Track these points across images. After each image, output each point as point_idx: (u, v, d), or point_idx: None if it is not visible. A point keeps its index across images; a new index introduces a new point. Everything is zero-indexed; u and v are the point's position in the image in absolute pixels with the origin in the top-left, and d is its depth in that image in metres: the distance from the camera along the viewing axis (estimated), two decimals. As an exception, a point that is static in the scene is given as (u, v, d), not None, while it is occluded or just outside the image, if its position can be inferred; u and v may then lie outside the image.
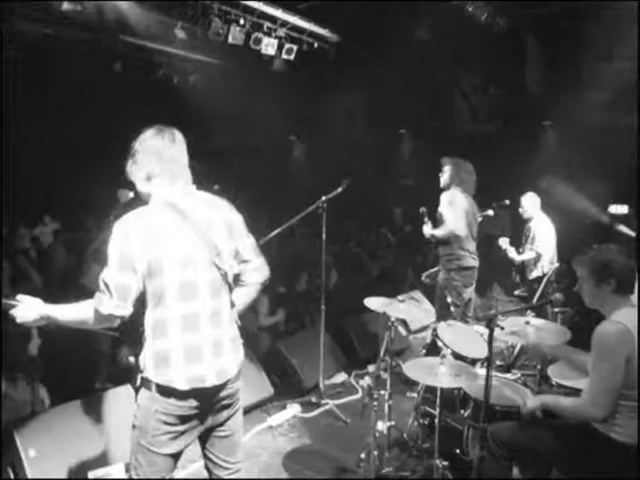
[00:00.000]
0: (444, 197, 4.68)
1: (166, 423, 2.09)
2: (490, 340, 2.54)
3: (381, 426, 3.50)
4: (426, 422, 3.61)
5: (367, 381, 4.79)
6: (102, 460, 3.33)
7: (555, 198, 7.06)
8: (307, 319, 6.29)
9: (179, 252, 2.10)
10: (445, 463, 3.16)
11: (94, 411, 3.48)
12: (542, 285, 5.50)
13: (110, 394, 3.64)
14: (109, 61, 8.34)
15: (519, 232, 6.00)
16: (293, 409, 4.32)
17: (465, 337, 3.65)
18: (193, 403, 2.11)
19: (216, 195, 2.33)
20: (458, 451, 3.27)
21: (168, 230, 2.10)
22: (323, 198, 4.39)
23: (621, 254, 2.58)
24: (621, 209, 9.10)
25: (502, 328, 2.61)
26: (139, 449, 2.13)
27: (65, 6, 6.20)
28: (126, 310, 2.07)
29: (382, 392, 3.58)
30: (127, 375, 3.12)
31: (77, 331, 2.41)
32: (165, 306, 2.10)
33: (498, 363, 4.74)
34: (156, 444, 2.10)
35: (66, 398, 3.57)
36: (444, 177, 4.76)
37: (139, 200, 2.27)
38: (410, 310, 3.68)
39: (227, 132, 10.46)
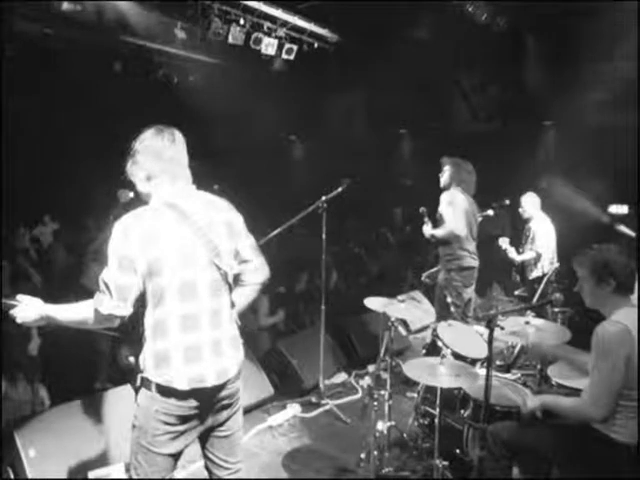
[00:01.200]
0: (444, 197, 4.68)
1: (166, 423, 2.10)
2: (490, 340, 2.54)
3: (381, 426, 3.50)
4: (426, 422, 3.62)
5: (367, 381, 4.81)
6: (102, 460, 3.34)
7: (555, 198, 7.06)
8: (307, 319, 6.30)
9: (179, 252, 2.10)
10: (445, 463, 3.16)
11: (94, 411, 3.49)
12: (542, 285, 5.50)
13: (110, 394, 3.64)
14: (109, 61, 8.32)
15: (519, 232, 6.00)
16: (293, 409, 4.33)
17: (465, 337, 3.65)
18: (193, 403, 2.11)
19: (216, 195, 2.33)
20: (458, 451, 3.27)
21: (168, 230, 2.10)
22: (323, 198, 4.40)
23: (621, 254, 2.58)
24: (621, 209, 9.09)
25: (502, 328, 2.61)
26: (139, 449, 2.13)
27: (65, 6, 6.19)
28: (126, 310, 2.08)
29: (382, 392, 3.59)
30: (127, 375, 3.12)
31: (77, 331, 2.41)
32: (165, 306, 2.10)
33: (498, 363, 4.75)
34: (156, 444, 2.11)
35: (66, 398, 3.57)
36: (444, 177, 4.77)
37: (139, 200, 2.27)
38: (410, 310, 3.68)
39: (227, 132, 10.45)
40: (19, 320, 2.16)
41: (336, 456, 3.73)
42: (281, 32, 7.63)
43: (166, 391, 2.08)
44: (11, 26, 6.44)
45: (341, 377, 5.02)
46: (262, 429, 4.07)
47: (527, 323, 3.10)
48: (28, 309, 2.15)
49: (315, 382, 4.63)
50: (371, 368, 5.05)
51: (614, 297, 2.57)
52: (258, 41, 7.37)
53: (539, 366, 3.88)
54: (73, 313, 2.16)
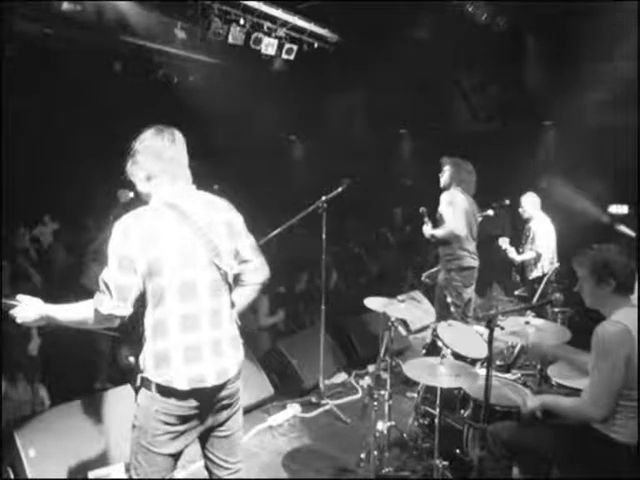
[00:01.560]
0: (444, 197, 4.68)
1: (166, 423, 2.09)
2: (490, 340, 2.54)
3: (381, 426, 3.50)
4: (426, 422, 3.62)
5: (367, 381, 4.81)
6: (102, 460, 3.34)
7: (555, 198, 7.06)
8: (307, 319, 6.30)
9: (179, 252, 2.10)
10: (445, 463, 3.16)
11: (94, 411, 3.49)
12: (542, 285, 5.50)
13: (110, 394, 3.64)
14: (109, 61, 8.33)
15: (519, 232, 6.00)
16: (293, 409, 4.32)
17: (465, 337, 3.65)
18: (193, 403, 2.11)
19: (216, 195, 2.33)
20: (458, 451, 3.27)
21: (168, 230, 2.10)
22: (323, 198, 4.39)
23: (621, 254, 2.58)
24: (621, 209, 9.09)
25: (502, 328, 2.61)
26: (139, 449, 2.13)
27: (65, 6, 6.19)
28: (126, 310, 2.08)
29: (382, 392, 3.59)
30: (127, 375, 3.12)
31: (77, 331, 2.41)
32: (165, 306, 2.10)
33: (498, 363, 4.75)
34: (156, 444, 2.10)
35: (66, 398, 3.58)
36: (444, 177, 4.77)
37: (139, 200, 2.27)
38: (410, 310, 3.68)
39: (227, 132, 10.45)
40: (19, 320, 2.16)
41: (336, 456, 3.73)
42: (281, 32, 7.63)
43: (166, 391, 2.08)
44: (11, 26, 6.44)
45: (341, 377, 5.02)
46: (262, 429, 4.07)
47: (527, 323, 3.10)
48: (28, 309, 2.15)
49: (315, 382, 4.63)
50: (371, 368, 5.04)
51: (614, 297, 2.57)
52: (258, 41, 7.37)
53: (539, 366, 3.88)
54: (73, 313, 2.16)
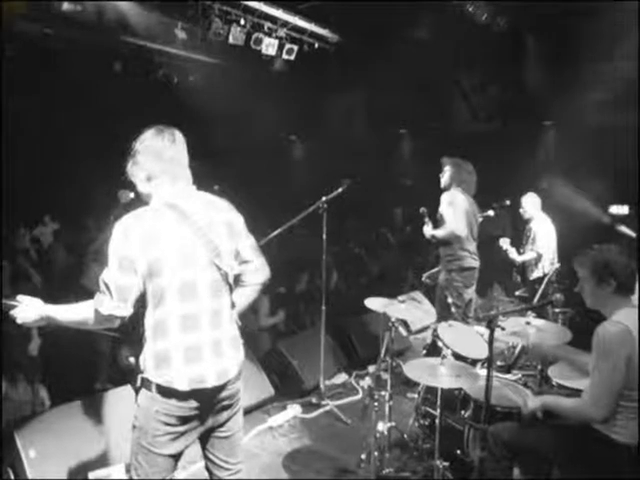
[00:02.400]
0: (444, 197, 4.68)
1: (166, 424, 2.09)
2: (491, 341, 2.54)
3: (382, 427, 3.50)
4: (427, 423, 3.61)
5: (367, 382, 4.81)
6: (102, 461, 3.33)
7: (555, 198, 7.06)
8: (307, 320, 6.29)
9: (179, 253, 2.10)
10: (446, 464, 3.15)
11: (94, 412, 3.48)
12: (543, 286, 5.49)
13: (110, 395, 3.63)
14: (109, 61, 8.33)
15: (520, 233, 6.00)
16: (293, 410, 4.32)
17: (466, 338, 3.65)
18: (193, 404, 2.11)
19: (216, 195, 2.33)
20: (459, 452, 3.27)
21: (168, 231, 2.10)
22: (323, 198, 4.39)
23: (622, 254, 2.58)
24: (622, 209, 9.09)
25: (503, 328, 2.60)
26: (140, 450, 2.13)
27: (65, 6, 6.20)
28: (126, 311, 2.07)
29: (382, 393, 3.59)
30: (127, 376, 3.12)
31: (77, 331, 2.41)
32: (165, 306, 2.09)
33: (499, 364, 4.74)
34: (157, 445, 2.10)
35: (66, 398, 3.57)
36: (444, 177, 4.77)
37: (140, 201, 2.27)
38: (411, 311, 3.68)
39: (227, 132, 10.45)
40: (19, 320, 2.16)
41: (336, 457, 3.73)
42: (282, 32, 7.63)
43: (166, 392, 2.08)
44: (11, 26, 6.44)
45: (341, 378, 5.02)
46: (262, 430, 4.07)
47: (528, 323, 3.10)
48: (28, 309, 2.15)
49: (315, 383, 4.63)
50: (371, 369, 5.04)
51: (615, 297, 2.57)
52: (259, 41, 7.37)
53: (540, 367, 3.88)
54: (73, 314, 2.15)
